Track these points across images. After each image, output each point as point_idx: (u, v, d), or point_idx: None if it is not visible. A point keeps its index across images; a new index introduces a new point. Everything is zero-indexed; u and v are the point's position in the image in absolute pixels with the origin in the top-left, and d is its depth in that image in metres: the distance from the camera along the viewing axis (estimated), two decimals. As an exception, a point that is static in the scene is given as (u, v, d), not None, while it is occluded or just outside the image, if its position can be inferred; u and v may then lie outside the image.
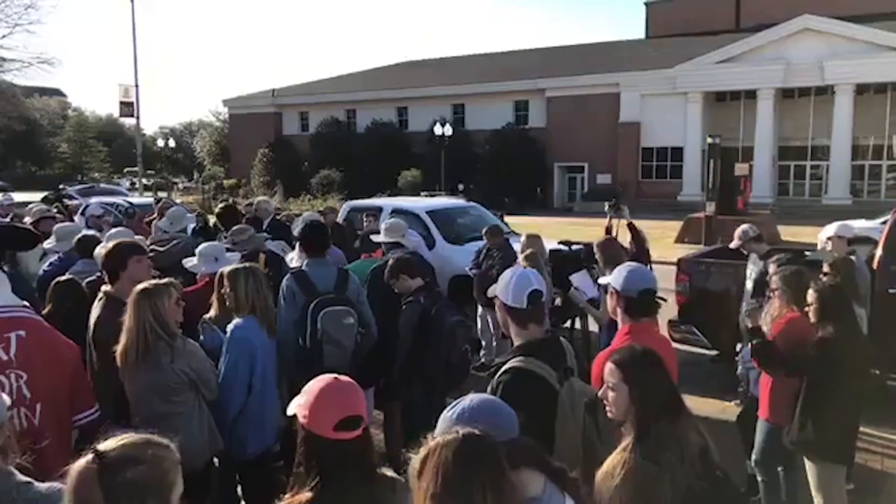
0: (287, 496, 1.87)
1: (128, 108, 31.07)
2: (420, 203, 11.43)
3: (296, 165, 39.65)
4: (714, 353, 7.28)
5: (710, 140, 19.52)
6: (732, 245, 6.35)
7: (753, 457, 4.22)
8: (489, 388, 2.44)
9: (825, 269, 4.75)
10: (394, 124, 39.74)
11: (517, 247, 6.80)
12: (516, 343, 2.64)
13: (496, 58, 44.82)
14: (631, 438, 2.11)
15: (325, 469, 1.83)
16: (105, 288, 3.85)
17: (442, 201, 13.27)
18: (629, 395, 2.16)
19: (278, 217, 8.95)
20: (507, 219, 12.63)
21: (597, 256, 5.59)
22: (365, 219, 8.49)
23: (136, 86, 30.49)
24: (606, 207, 7.20)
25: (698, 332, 7.08)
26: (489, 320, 7.45)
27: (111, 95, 49.95)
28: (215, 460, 3.65)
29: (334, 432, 1.83)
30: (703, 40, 34.95)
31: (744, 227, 6.36)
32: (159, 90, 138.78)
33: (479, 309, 7.72)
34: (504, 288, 2.64)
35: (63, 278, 4.36)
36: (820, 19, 29.19)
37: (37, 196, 22.47)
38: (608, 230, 6.96)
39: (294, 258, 4.66)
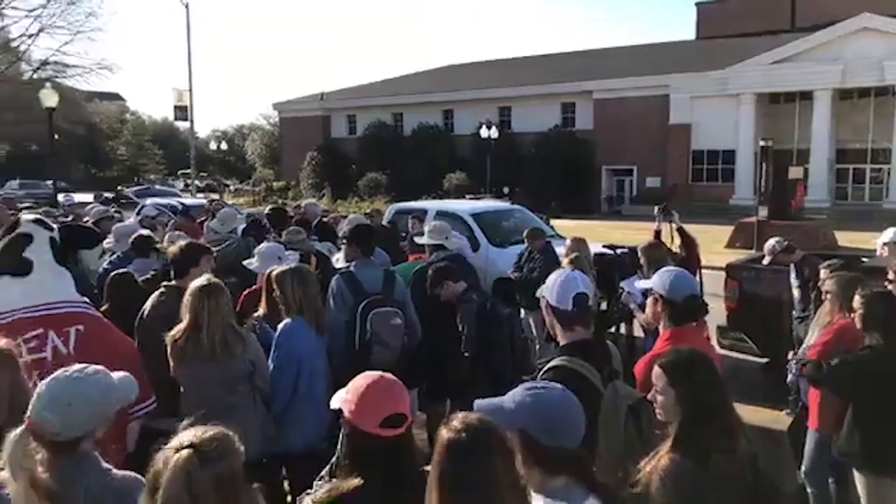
0: (330, 483, 1.93)
1: (182, 112, 31.95)
2: (465, 206, 11.48)
3: (343, 168, 40.17)
4: (764, 360, 7.11)
5: (762, 143, 19.05)
6: (764, 262, 6.29)
7: (803, 468, 4.11)
8: None
9: (891, 276, 4.56)
10: (440, 127, 39.89)
11: (560, 250, 6.77)
12: (562, 344, 2.65)
13: (543, 60, 44.63)
14: (678, 442, 2.10)
15: (368, 463, 1.87)
16: (171, 282, 3.99)
17: (487, 204, 13.28)
18: (676, 398, 2.14)
19: (325, 220, 9.10)
20: (553, 222, 12.58)
21: (641, 261, 5.53)
22: (410, 221, 8.57)
23: (191, 90, 31.33)
24: (655, 211, 7.11)
25: (748, 339, 6.92)
26: (531, 323, 7.42)
27: (166, 99, 51.54)
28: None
29: (379, 428, 1.87)
30: (755, 41, 34.11)
31: (770, 241, 6.30)
32: (213, 94, 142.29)
33: (522, 312, 7.70)
34: (550, 289, 2.66)
35: (119, 272, 4.53)
36: (880, 18, 28.18)
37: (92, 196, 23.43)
38: (657, 234, 6.88)
39: (340, 259, 4.74)
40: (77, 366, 2.00)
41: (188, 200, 16.22)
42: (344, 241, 4.61)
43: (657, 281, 2.95)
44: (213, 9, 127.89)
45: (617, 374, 2.55)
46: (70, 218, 9.98)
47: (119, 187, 43.08)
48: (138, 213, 10.75)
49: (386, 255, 6.25)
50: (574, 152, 34.30)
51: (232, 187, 54.14)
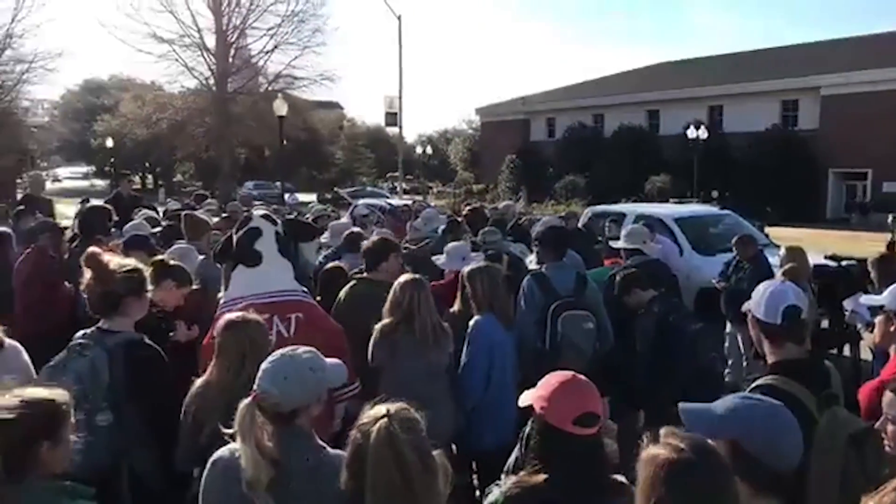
0: (518, 476, 1.96)
1: (392, 118, 34.00)
2: (667, 209, 10.99)
3: (541, 171, 40.27)
4: None
5: None
6: None
7: None
8: None
9: None
10: (643, 128, 38.41)
11: (774, 261, 6.21)
12: (771, 362, 2.44)
13: (760, 54, 41.13)
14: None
15: (559, 461, 1.88)
16: (362, 274, 4.32)
17: (692, 208, 12.58)
18: (910, 429, 1.89)
19: (520, 222, 9.19)
20: (770, 230, 11.59)
21: (871, 275, 4.92)
22: (607, 224, 8.38)
23: (400, 98, 33.27)
24: (890, 220, 6.30)
25: None
26: (738, 338, 6.89)
27: (378, 106, 55.20)
28: (453, 446, 3.87)
29: (572, 426, 1.87)
30: None
31: None
32: (419, 99, 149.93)
33: (728, 326, 7.19)
34: (757, 302, 2.46)
35: (331, 265, 4.98)
36: None
37: (314, 197, 26.06)
38: (891, 246, 6.08)
39: (532, 260, 4.77)
40: (293, 346, 2.21)
41: (395, 201, 17.29)
42: (537, 243, 4.63)
43: (889, 297, 2.61)
44: (422, 19, 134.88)
45: (836, 399, 2.28)
46: (293, 215, 11.10)
47: (335, 188, 47.10)
48: (351, 213, 11.63)
49: (579, 258, 6.17)
50: (795, 154, 31.24)
51: (435, 189, 56.65)
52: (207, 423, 2.48)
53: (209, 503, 2.12)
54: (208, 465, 2.14)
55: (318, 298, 4.78)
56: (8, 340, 2.94)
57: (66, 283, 5.70)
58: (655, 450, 1.49)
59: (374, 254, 4.30)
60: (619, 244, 5.09)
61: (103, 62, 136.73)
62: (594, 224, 9.90)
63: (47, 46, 37.20)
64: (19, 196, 21.15)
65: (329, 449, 2.16)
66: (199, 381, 2.73)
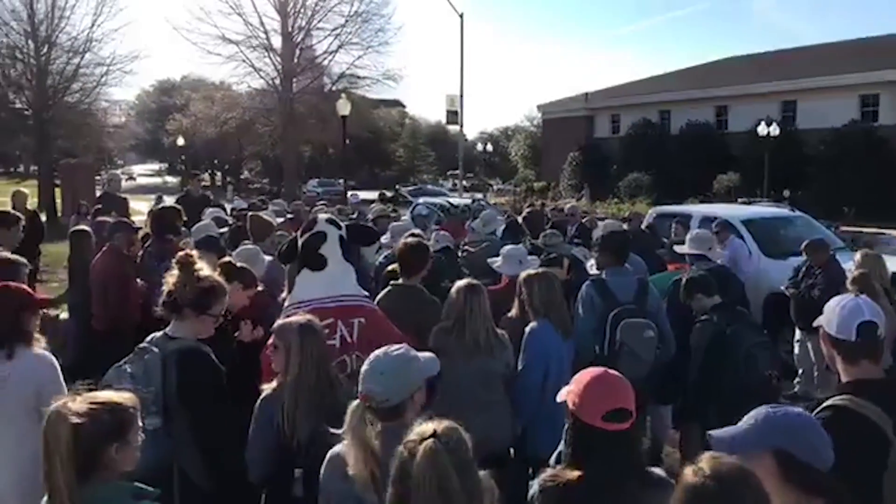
0: (554, 470, 1.98)
1: (453, 116, 33.98)
2: (735, 211, 10.63)
3: (604, 169, 39.67)
4: None
5: None
6: None
7: None
8: None
9: None
10: (711, 125, 37.34)
11: (849, 266, 5.93)
12: (844, 380, 2.34)
13: (837, 47, 39.32)
14: None
15: (591, 455, 1.91)
16: (397, 280, 4.35)
17: (761, 209, 12.14)
18: None
19: (584, 221, 9.08)
20: (846, 231, 11.08)
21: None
22: (673, 226, 8.18)
23: (461, 96, 33.26)
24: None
25: None
26: (809, 347, 6.63)
27: (439, 103, 55.42)
28: (511, 451, 3.87)
29: (603, 422, 1.91)
30: None
31: None
32: (480, 96, 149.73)
33: (798, 333, 6.92)
34: (829, 318, 2.36)
35: (392, 267, 5.03)
36: None
37: (376, 195, 26.42)
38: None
39: (593, 265, 4.70)
40: (387, 346, 2.36)
41: (455, 200, 17.32)
42: (597, 247, 4.56)
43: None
44: (484, 15, 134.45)
45: (914, 423, 2.18)
46: (355, 215, 11.28)
47: (397, 186, 47.59)
48: (411, 212, 11.75)
49: (642, 262, 6.04)
50: (875, 150, 29.75)
51: (495, 187, 56.55)
52: (299, 425, 2.62)
53: (326, 499, 2.28)
54: (325, 463, 2.29)
55: (379, 299, 4.89)
56: (38, 350, 2.96)
57: (139, 281, 5.97)
58: (686, 471, 1.55)
59: (410, 260, 4.28)
60: (684, 249, 4.96)
61: (176, 63, 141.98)
62: (659, 225, 9.68)
63: (124, 50, 39.05)
64: (97, 193, 22.28)
65: None
66: (272, 384, 2.80)
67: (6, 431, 2.78)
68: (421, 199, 19.00)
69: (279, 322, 2.93)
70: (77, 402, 1.88)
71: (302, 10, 25.72)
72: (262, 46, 25.42)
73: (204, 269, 3.08)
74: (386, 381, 2.20)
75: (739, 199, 23.50)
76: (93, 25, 26.02)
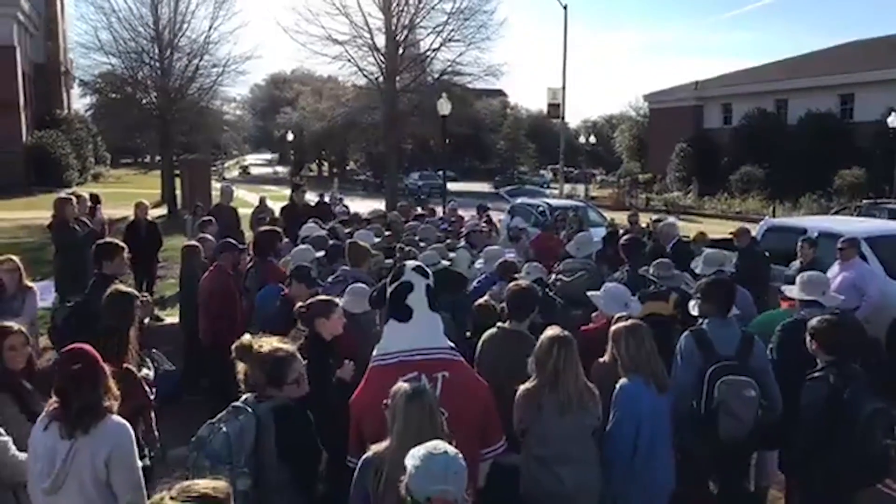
0: None
1: (555, 109, 33.50)
2: (857, 226, 9.70)
3: (714, 161, 37.81)
4: None
5: None
6: None
7: None
8: None
9: None
10: (834, 115, 34.64)
11: None
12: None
13: None
14: None
15: None
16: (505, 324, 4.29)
17: (885, 225, 10.93)
18: None
19: (685, 239, 8.66)
20: None
21: None
22: (799, 244, 7.56)
23: (564, 87, 32.65)
24: None
25: None
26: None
27: (540, 91, 54.52)
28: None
29: None
30: None
31: None
32: (584, 85, 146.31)
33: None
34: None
35: (481, 301, 4.97)
36: None
37: (476, 186, 26.51)
38: None
39: (694, 307, 4.42)
40: (436, 444, 2.29)
41: (554, 202, 16.97)
42: (699, 296, 4.30)
43: None
44: (588, 1, 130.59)
45: None
46: (453, 220, 11.30)
47: (496, 178, 47.38)
48: (507, 225, 11.68)
49: (748, 294, 5.61)
50: None
51: (598, 178, 55.24)
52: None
53: None
54: None
55: (468, 333, 4.86)
56: (114, 419, 2.95)
57: (242, 300, 6.25)
58: None
59: (522, 301, 4.23)
60: (794, 293, 4.58)
61: (286, 58, 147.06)
62: (770, 240, 9.11)
63: (238, 50, 41.04)
64: (212, 184, 23.62)
65: None
66: (381, 446, 2.81)
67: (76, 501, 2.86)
68: (518, 200, 18.76)
69: (395, 387, 2.92)
70: (172, 493, 1.98)
71: (405, 9, 25.92)
72: (367, 46, 25.83)
73: (264, 345, 3.16)
74: (459, 480, 2.18)
75: (864, 200, 21.77)
76: (210, 29, 27.49)
